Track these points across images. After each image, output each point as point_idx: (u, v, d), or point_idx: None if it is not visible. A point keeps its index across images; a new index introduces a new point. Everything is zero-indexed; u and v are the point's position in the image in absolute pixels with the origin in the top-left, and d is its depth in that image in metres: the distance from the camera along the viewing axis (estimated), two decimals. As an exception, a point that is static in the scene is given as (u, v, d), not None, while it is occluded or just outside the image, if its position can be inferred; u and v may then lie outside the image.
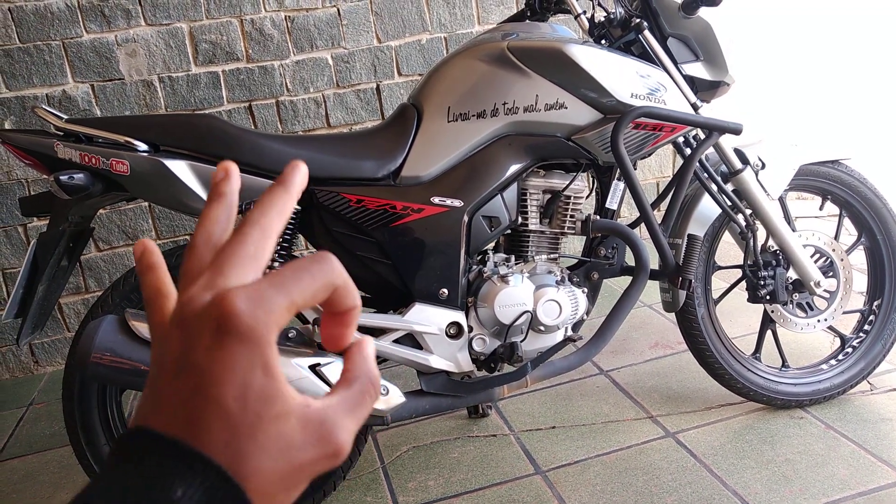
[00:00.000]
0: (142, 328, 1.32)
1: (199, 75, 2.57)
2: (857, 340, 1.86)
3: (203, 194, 1.43)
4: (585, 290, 1.62)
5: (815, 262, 1.76)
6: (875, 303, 1.86)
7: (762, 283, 1.71)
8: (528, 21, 1.76)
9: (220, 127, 1.46)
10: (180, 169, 1.42)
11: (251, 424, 0.28)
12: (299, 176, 0.34)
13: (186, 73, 2.56)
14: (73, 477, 1.87)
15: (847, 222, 1.86)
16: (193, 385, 0.28)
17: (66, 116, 1.45)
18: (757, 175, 1.68)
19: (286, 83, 2.65)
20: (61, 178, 1.38)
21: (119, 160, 1.40)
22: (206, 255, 0.32)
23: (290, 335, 1.47)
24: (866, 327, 1.86)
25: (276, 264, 1.48)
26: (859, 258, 1.92)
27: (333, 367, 1.41)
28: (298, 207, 1.48)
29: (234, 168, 0.35)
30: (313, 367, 1.38)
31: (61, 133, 1.44)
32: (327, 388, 1.38)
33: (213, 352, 0.28)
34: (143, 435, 0.28)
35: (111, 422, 1.54)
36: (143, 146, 1.42)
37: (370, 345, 0.35)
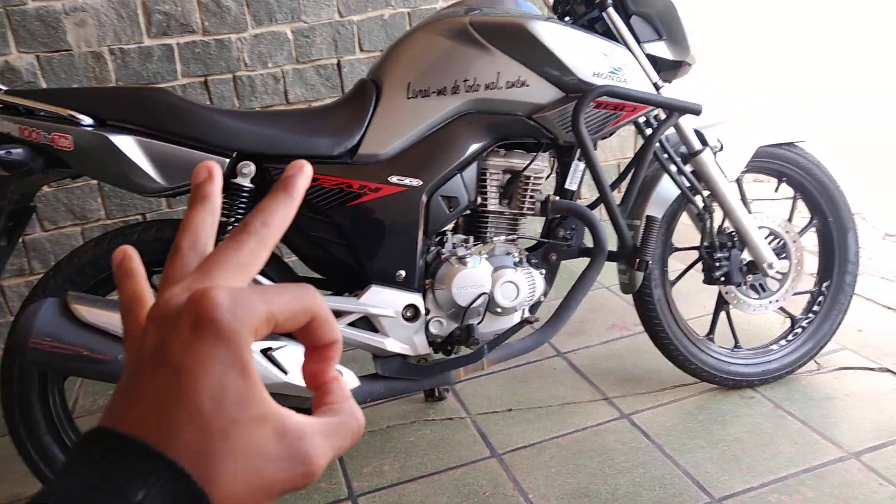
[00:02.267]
0: (85, 312, 1.27)
1: (152, 48, 2.47)
2: (807, 321, 1.91)
3: (151, 171, 1.38)
4: (543, 271, 1.61)
5: (769, 243, 1.79)
6: (824, 284, 1.90)
7: (718, 264, 1.73)
8: (491, -3, 1.72)
9: (169, 100, 1.41)
10: (127, 144, 1.36)
11: (224, 427, 0.26)
12: (303, 179, 0.33)
13: (138, 45, 2.46)
14: (14, 467, 1.79)
15: (801, 204, 1.89)
16: (168, 381, 0.27)
17: (5, 88, 1.38)
18: (715, 156, 1.69)
19: (244, 57, 2.57)
20: (-2, 152, 1.31)
21: (61, 134, 1.34)
22: (191, 259, 0.31)
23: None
24: (815, 308, 1.91)
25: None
26: (812, 240, 1.96)
27: (286, 351, 1.38)
28: (251, 186, 1.43)
29: (216, 169, 0.34)
30: (265, 352, 1.35)
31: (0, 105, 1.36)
32: (280, 374, 1.35)
33: (191, 346, 0.27)
34: (105, 435, 0.26)
35: (53, 410, 1.48)
36: (87, 120, 1.35)
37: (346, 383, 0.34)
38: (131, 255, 0.34)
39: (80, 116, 1.35)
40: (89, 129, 1.35)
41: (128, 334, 0.32)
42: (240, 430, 0.27)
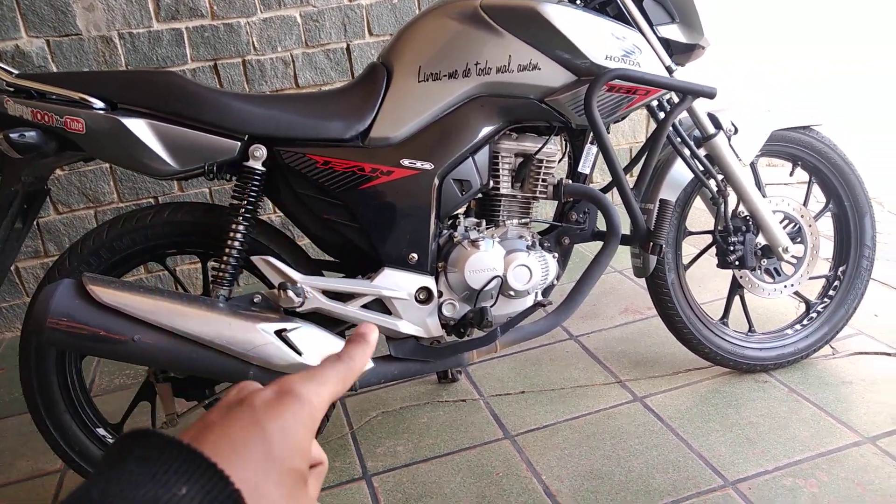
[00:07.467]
0: (101, 293, 1.28)
1: (162, 32, 2.47)
2: (822, 306, 1.89)
3: (163, 154, 1.38)
4: (556, 255, 1.61)
5: (784, 227, 1.77)
6: (840, 269, 1.88)
7: (732, 248, 1.72)
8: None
9: (180, 84, 1.40)
10: (139, 128, 1.36)
11: (283, 458, 0.31)
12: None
13: (148, 29, 2.45)
14: (33, 444, 1.83)
15: (816, 189, 1.87)
16: (246, 415, 0.31)
17: (16, 72, 1.38)
18: (730, 140, 1.68)
19: (253, 42, 2.56)
20: (11, 135, 1.31)
21: (74, 118, 1.34)
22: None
23: (255, 300, 1.44)
24: (831, 293, 1.89)
25: (241, 227, 1.43)
26: (827, 225, 1.94)
27: (300, 333, 1.38)
28: (262, 169, 1.43)
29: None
30: (279, 333, 1.35)
31: (12, 89, 1.37)
32: (294, 354, 1.36)
33: (271, 401, 0.32)
34: (148, 435, 0.29)
35: (70, 388, 1.50)
36: (99, 103, 1.35)
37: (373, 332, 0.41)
38: None
39: (92, 100, 1.35)
40: (101, 112, 1.35)
41: None
42: (291, 470, 0.31)
